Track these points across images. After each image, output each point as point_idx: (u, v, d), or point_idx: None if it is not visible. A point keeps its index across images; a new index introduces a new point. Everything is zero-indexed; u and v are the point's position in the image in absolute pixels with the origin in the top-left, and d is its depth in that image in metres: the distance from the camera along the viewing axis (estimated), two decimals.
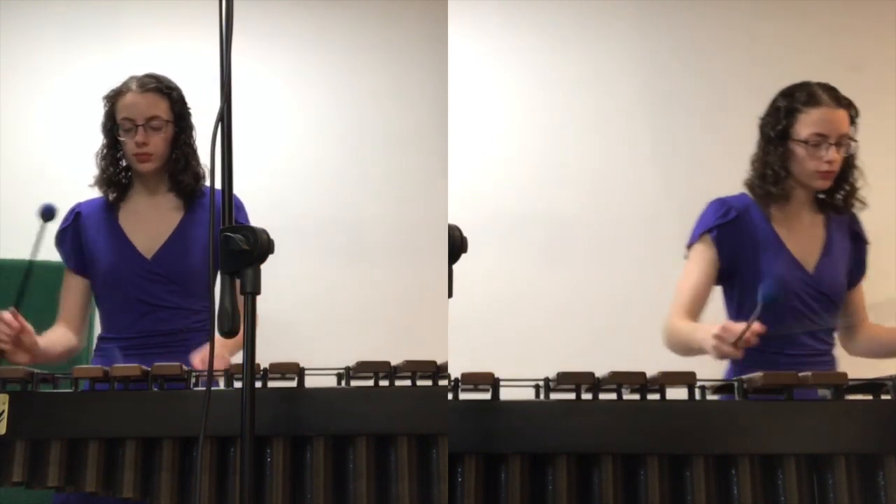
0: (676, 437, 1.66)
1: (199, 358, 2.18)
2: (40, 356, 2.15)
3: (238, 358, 1.56)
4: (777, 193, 2.36)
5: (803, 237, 2.41)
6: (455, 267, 1.58)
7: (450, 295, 1.60)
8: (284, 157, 3.52)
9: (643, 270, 3.26)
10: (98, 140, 2.45)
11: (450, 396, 1.71)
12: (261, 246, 1.53)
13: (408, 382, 1.77)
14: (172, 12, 3.45)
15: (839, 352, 2.48)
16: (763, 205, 2.39)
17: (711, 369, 2.01)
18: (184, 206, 2.46)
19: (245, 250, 1.52)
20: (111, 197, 2.45)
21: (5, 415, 1.78)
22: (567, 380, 1.71)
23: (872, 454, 1.66)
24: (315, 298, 3.43)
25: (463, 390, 1.73)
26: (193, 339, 2.36)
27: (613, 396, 1.71)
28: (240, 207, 2.45)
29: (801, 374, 1.71)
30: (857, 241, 2.49)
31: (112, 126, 2.41)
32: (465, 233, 1.58)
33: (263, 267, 1.54)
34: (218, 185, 1.57)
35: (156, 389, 1.80)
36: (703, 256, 2.39)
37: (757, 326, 1.95)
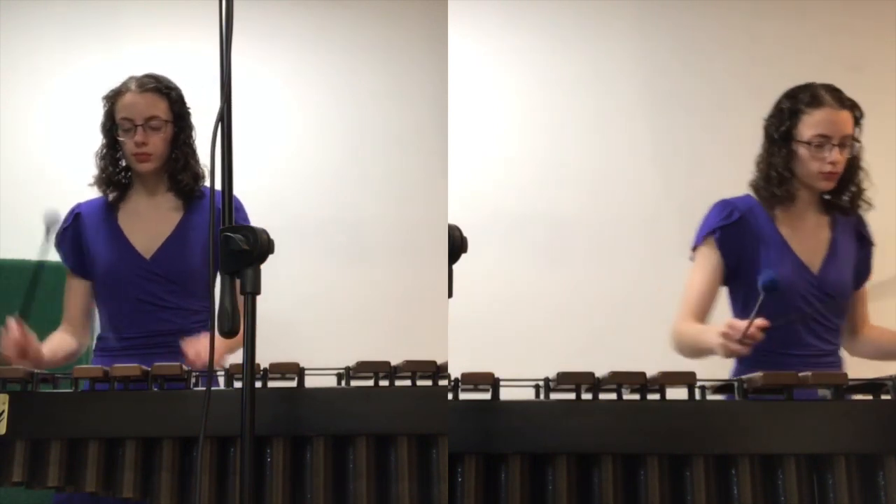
0: (676, 437, 1.66)
1: (192, 350, 2.18)
2: (43, 366, 2.16)
3: (238, 358, 1.56)
4: (781, 195, 2.36)
5: (808, 238, 2.41)
6: (455, 267, 1.58)
7: (450, 295, 1.60)
8: (284, 157, 3.52)
9: (643, 270, 3.26)
10: (98, 140, 2.45)
11: (450, 396, 1.71)
12: (261, 246, 1.53)
13: (408, 382, 1.77)
14: (172, 12, 3.45)
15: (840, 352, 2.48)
16: (768, 206, 2.39)
17: (711, 369, 2.01)
18: (183, 206, 2.46)
19: (245, 250, 1.52)
20: (111, 197, 2.45)
21: (5, 415, 1.78)
22: (567, 380, 1.71)
23: (872, 454, 1.66)
24: (315, 298, 3.43)
25: (463, 390, 1.73)
26: None
27: (613, 396, 1.71)
28: (239, 208, 2.44)
29: (800, 374, 1.71)
30: (863, 243, 2.48)
31: (111, 126, 2.41)
32: (465, 233, 1.58)
33: (263, 267, 1.55)
34: (218, 186, 1.57)
35: (156, 389, 1.81)
36: (708, 259, 2.39)
37: (760, 321, 1.96)
